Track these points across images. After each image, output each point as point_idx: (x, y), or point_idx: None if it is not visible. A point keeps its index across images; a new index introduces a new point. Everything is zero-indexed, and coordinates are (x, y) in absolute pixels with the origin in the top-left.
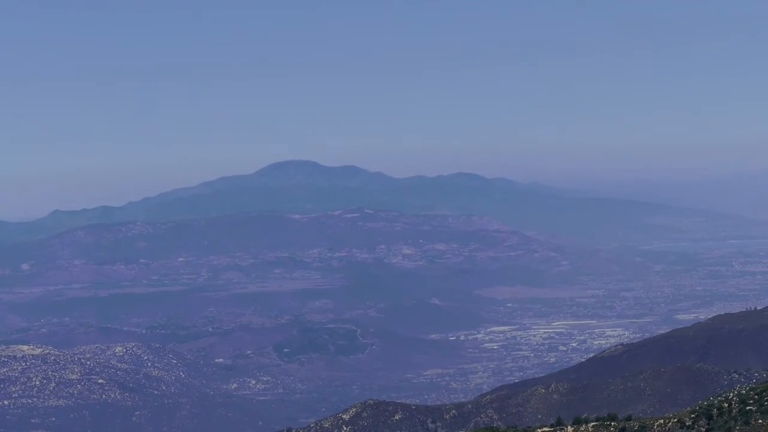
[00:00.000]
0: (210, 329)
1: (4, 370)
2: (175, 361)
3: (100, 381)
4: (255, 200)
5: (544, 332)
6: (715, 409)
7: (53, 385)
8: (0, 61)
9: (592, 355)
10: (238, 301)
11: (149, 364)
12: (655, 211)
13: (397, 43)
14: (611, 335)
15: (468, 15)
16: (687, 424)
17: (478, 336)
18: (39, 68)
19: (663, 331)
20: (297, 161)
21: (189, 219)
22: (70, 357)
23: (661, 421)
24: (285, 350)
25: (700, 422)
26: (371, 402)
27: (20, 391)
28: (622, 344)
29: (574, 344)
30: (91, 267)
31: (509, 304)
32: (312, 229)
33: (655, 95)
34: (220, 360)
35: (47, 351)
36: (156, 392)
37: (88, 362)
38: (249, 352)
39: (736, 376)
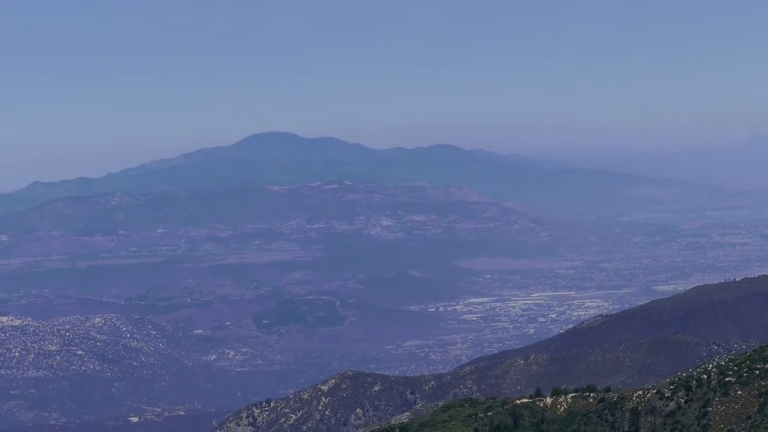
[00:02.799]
0: (189, 300)
1: None
2: (154, 333)
3: (80, 352)
4: (233, 172)
5: (523, 303)
6: (694, 381)
7: (32, 356)
8: None
9: (571, 326)
10: (216, 273)
11: (128, 335)
12: (633, 183)
13: (375, 16)
14: (590, 306)
15: None
16: (666, 395)
17: (457, 307)
18: (19, 42)
19: (642, 303)
20: (275, 133)
21: (168, 191)
22: (50, 328)
23: (640, 392)
24: (264, 322)
25: (679, 393)
26: (350, 373)
27: None
28: (601, 315)
29: (553, 315)
30: (70, 238)
31: (488, 276)
32: (290, 201)
33: (631, 67)
34: (199, 331)
35: (26, 322)
36: (135, 363)
37: (68, 333)
38: (228, 323)
39: (716, 347)
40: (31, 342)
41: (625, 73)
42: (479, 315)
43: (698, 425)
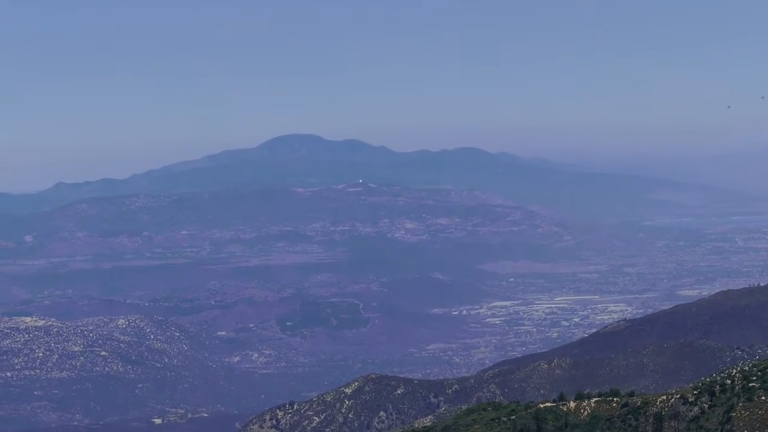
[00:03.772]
0: (213, 302)
1: (7, 341)
2: (177, 334)
3: (103, 353)
4: (258, 174)
5: (547, 307)
6: (717, 386)
7: (56, 357)
8: (1, 34)
9: (594, 330)
10: (240, 275)
11: (152, 336)
12: (657, 187)
13: (400, 18)
14: (614, 311)
15: None
16: (690, 400)
17: (481, 311)
18: (44, 42)
19: (666, 307)
20: (300, 135)
21: (192, 192)
22: (73, 329)
23: (664, 397)
24: (287, 324)
25: (703, 398)
26: (373, 376)
27: (23, 363)
28: (624, 320)
29: (577, 319)
30: (95, 239)
31: (512, 279)
32: (315, 203)
33: (656, 70)
34: (223, 333)
35: (50, 323)
36: (159, 365)
37: (91, 334)
38: (252, 325)
39: (739, 352)
40: (54, 343)
41: (650, 75)
42: (503, 318)
43: (722, 430)
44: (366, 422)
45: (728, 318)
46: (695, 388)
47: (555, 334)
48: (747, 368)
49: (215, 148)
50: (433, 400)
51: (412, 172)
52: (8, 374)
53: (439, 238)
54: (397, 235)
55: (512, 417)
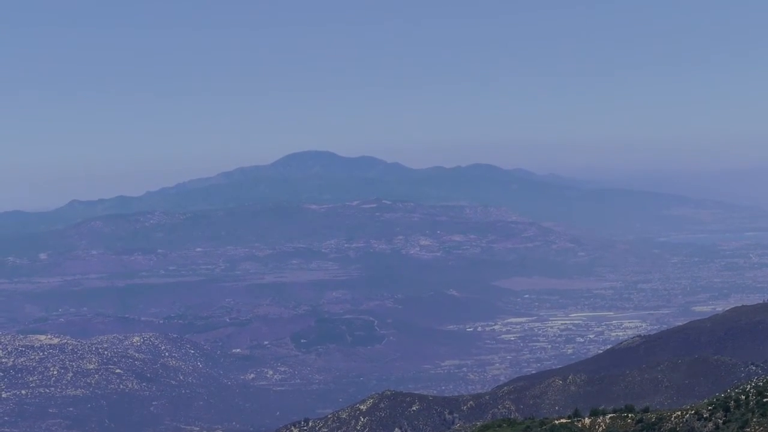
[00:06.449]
0: (227, 319)
1: (22, 359)
2: (192, 351)
3: (118, 371)
4: (272, 191)
5: (562, 323)
6: (732, 401)
7: (71, 374)
8: (18, 51)
9: (609, 346)
10: (255, 292)
11: (166, 354)
12: (672, 203)
13: (415, 34)
14: (628, 327)
15: (486, 6)
16: (704, 416)
17: (496, 327)
18: (58, 59)
19: (680, 323)
20: (314, 152)
21: (206, 209)
22: (88, 347)
23: (679, 412)
24: (302, 341)
25: (718, 414)
26: (388, 393)
27: (38, 381)
28: (639, 336)
29: (592, 336)
30: (109, 257)
31: (526, 296)
32: (329, 220)
33: (672, 86)
34: (238, 350)
35: (65, 341)
36: (173, 382)
37: (106, 352)
38: (266, 342)
39: (754, 368)
40: (69, 360)
41: (663, 92)
42: (517, 335)
43: None
44: None
45: (742, 333)
46: (710, 404)
47: (570, 351)
48: (761, 383)
49: (229, 165)
50: (448, 416)
51: (427, 189)
52: (23, 392)
53: (453, 255)
54: (412, 252)
55: None
